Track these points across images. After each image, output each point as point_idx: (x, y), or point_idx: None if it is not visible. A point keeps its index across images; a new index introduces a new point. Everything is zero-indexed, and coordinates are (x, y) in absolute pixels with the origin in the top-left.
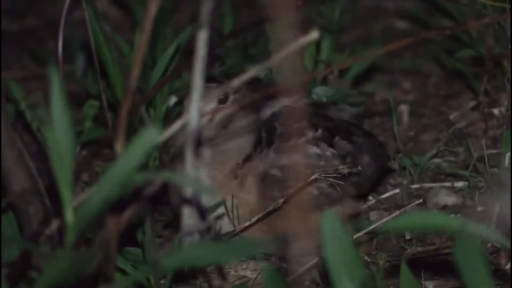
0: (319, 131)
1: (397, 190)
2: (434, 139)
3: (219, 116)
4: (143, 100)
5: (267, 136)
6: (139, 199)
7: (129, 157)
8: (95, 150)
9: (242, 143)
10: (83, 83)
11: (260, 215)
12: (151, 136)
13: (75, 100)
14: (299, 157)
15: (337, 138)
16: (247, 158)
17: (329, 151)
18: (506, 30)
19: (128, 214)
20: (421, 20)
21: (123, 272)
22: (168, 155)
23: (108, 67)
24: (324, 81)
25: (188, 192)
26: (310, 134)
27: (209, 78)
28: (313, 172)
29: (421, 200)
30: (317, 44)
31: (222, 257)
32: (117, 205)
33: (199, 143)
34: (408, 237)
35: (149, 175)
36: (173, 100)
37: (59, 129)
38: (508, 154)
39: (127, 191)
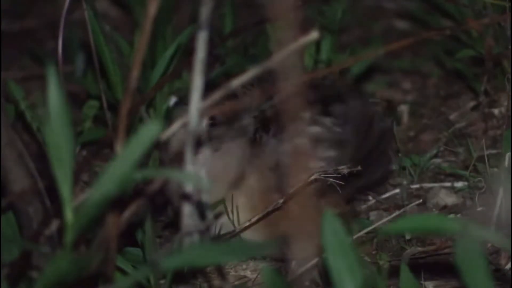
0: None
1: (397, 190)
2: (434, 139)
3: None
4: (143, 100)
5: (263, 127)
6: (139, 198)
7: (129, 153)
8: (95, 150)
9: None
10: (83, 83)
11: (260, 215)
12: (151, 132)
13: (75, 100)
14: (301, 141)
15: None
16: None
17: (327, 121)
18: (506, 30)
19: (128, 213)
20: (421, 20)
21: (123, 272)
22: (168, 155)
23: (108, 67)
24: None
25: (188, 190)
26: (305, 115)
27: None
28: (314, 170)
29: (421, 200)
30: (317, 44)
31: (222, 257)
32: (117, 205)
33: (199, 143)
34: (408, 237)
35: (149, 172)
36: (173, 100)
37: (57, 128)
38: (508, 154)
39: (127, 188)
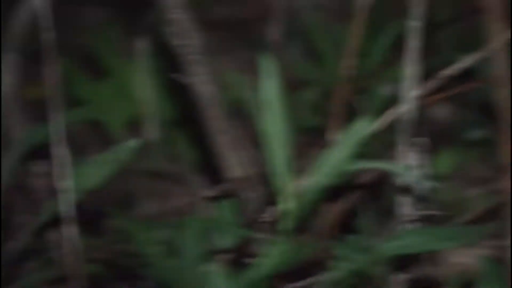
0: None
1: None
2: None
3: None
4: (357, 88)
5: None
6: (355, 187)
7: (342, 146)
8: (312, 138)
9: None
10: (299, 71)
11: None
12: (363, 126)
13: (291, 87)
14: None
15: None
16: None
17: None
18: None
19: (344, 202)
20: None
21: (341, 259)
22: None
23: (325, 55)
24: None
25: (406, 182)
26: None
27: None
28: None
29: None
30: None
31: (441, 243)
32: (333, 194)
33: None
34: None
35: (364, 164)
36: (387, 89)
37: (273, 116)
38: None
39: (342, 179)
